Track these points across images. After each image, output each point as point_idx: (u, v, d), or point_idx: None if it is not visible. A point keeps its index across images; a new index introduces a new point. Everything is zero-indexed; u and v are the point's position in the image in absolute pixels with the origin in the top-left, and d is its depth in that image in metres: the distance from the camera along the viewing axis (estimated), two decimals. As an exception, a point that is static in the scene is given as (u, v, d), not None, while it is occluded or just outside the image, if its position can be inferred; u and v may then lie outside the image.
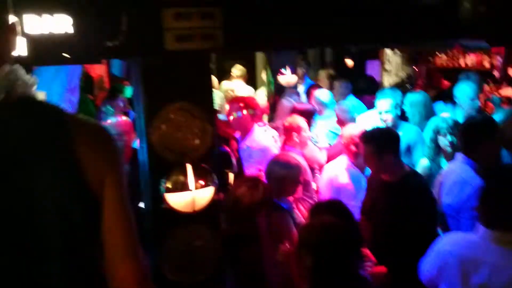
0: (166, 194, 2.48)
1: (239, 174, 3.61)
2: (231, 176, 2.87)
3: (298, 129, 4.17)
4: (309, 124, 4.60)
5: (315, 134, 4.87)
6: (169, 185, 2.48)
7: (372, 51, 7.65)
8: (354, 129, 3.84)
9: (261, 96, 6.23)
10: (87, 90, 5.87)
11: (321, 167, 4.32)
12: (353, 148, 3.74)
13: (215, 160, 2.62)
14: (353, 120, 4.75)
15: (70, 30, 2.31)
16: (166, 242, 2.60)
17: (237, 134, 4.42)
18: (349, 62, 7.77)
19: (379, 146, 3.06)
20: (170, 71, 2.52)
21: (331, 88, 6.29)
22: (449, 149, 3.48)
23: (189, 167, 2.44)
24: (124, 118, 4.14)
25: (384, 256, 2.86)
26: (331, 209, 2.41)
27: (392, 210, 3.04)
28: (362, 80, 6.79)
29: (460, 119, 4.02)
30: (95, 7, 2.38)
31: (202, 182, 2.46)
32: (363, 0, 2.53)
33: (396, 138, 3.20)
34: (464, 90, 4.49)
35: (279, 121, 5.00)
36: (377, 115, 4.53)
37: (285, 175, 3.11)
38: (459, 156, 3.11)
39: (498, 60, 8.03)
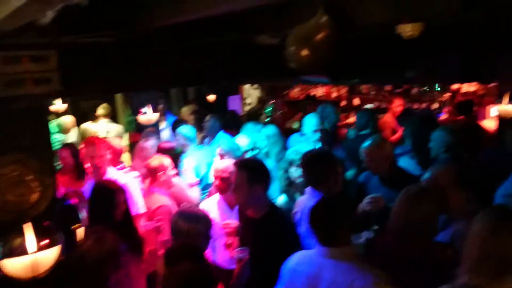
0: (1, 260, 2.16)
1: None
2: (80, 232, 2.59)
3: (162, 169, 4.05)
4: (176, 162, 4.49)
5: (183, 171, 4.77)
6: (4, 249, 2.17)
7: (233, 87, 7.90)
8: (218, 165, 3.81)
9: (122, 137, 5.96)
10: None
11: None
12: (217, 182, 3.71)
13: (59, 216, 2.37)
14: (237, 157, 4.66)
15: None
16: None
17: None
18: (211, 98, 7.89)
19: (253, 174, 3.04)
20: (-2, 120, 2.24)
21: (196, 123, 6.29)
22: (299, 180, 3.57)
23: (27, 227, 2.16)
24: None
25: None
26: (184, 254, 2.31)
27: (259, 247, 3.04)
28: (226, 115, 6.91)
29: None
30: None
31: (45, 242, 2.19)
32: (211, 42, 2.56)
33: (268, 172, 3.23)
34: (308, 123, 4.73)
35: (137, 163, 4.79)
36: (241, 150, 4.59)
37: (190, 230, 2.79)
38: (309, 190, 3.24)
39: (344, 91, 8.93)
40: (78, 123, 6.65)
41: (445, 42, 3.57)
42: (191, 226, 2.78)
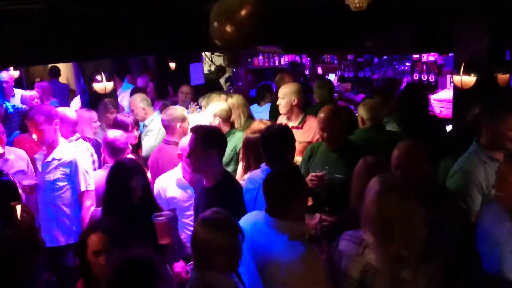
0: None
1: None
2: (18, 209, 2.48)
3: (183, 119, 4.10)
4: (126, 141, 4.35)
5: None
6: None
7: (195, 55, 7.69)
8: (185, 139, 3.67)
9: (75, 106, 5.73)
10: None
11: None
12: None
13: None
14: None
15: None
16: None
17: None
18: (172, 65, 7.69)
19: (207, 138, 3.01)
20: None
21: (156, 92, 6.11)
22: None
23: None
24: None
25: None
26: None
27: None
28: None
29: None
30: None
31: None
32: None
33: (224, 138, 3.19)
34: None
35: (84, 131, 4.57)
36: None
37: (210, 241, 2.08)
38: (263, 166, 3.20)
39: (307, 59, 8.90)
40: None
41: (398, 13, 3.56)
42: (208, 236, 2.09)
